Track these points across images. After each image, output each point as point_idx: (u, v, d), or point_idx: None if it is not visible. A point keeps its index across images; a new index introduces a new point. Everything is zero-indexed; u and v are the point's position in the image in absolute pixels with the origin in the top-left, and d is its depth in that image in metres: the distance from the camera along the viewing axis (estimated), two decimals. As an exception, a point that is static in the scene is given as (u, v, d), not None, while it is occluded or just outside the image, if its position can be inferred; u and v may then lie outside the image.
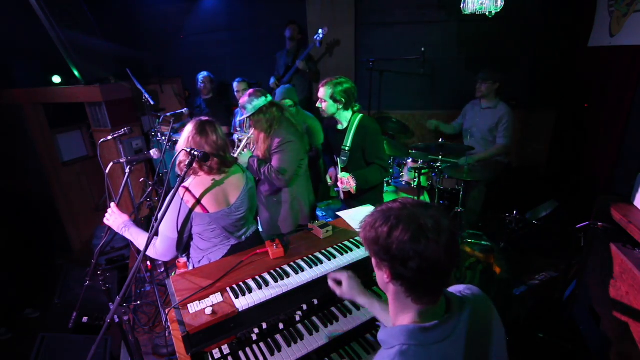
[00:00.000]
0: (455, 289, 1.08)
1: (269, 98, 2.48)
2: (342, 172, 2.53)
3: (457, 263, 0.83)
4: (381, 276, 0.93)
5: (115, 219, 1.88)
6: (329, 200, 4.17)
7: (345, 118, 2.46)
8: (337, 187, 2.61)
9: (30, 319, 3.10)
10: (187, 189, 1.78)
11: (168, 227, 1.77)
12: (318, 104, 2.45)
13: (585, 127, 3.49)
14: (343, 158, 2.50)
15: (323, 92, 2.38)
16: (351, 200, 2.61)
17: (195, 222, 1.82)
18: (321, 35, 4.03)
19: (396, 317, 0.96)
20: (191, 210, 1.78)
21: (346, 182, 2.40)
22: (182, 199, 1.76)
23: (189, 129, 1.80)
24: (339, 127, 2.53)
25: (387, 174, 2.55)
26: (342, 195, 2.66)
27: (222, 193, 1.85)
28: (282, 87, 3.25)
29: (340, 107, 2.40)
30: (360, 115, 2.45)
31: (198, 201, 1.78)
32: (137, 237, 1.84)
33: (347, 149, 2.45)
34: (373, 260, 0.95)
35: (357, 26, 4.40)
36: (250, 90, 2.49)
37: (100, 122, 3.62)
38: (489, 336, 1.00)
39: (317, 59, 4.55)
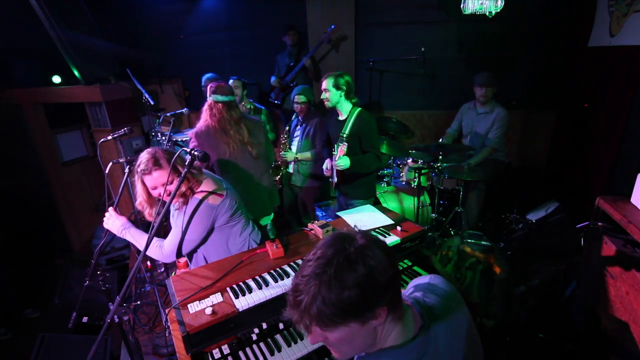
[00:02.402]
0: (416, 285, 1.07)
1: None
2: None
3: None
4: None
5: (113, 222, 1.91)
6: (328, 200, 4.17)
7: (346, 110, 2.68)
8: (332, 173, 2.74)
9: (30, 319, 3.10)
10: (203, 196, 1.83)
11: (196, 231, 1.85)
12: (322, 96, 2.66)
13: (585, 127, 3.49)
14: (340, 144, 2.66)
15: (326, 82, 2.60)
16: (343, 186, 2.77)
17: (220, 214, 1.87)
18: (330, 33, 4.10)
19: (370, 347, 0.92)
20: (212, 207, 1.84)
21: (340, 149, 2.54)
22: (208, 204, 1.82)
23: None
24: (339, 118, 2.74)
25: (380, 162, 2.73)
26: (335, 179, 2.77)
27: (215, 178, 1.95)
28: (300, 86, 3.50)
29: (342, 94, 2.62)
30: (359, 108, 2.67)
31: (212, 192, 1.85)
32: (139, 239, 1.87)
33: (345, 135, 2.62)
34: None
35: (357, 26, 4.40)
36: None
37: (100, 122, 3.62)
38: (467, 340, 0.99)
39: (317, 58, 4.55)
